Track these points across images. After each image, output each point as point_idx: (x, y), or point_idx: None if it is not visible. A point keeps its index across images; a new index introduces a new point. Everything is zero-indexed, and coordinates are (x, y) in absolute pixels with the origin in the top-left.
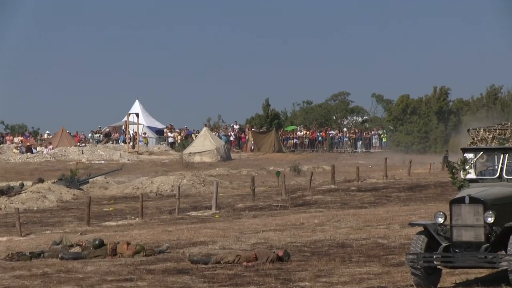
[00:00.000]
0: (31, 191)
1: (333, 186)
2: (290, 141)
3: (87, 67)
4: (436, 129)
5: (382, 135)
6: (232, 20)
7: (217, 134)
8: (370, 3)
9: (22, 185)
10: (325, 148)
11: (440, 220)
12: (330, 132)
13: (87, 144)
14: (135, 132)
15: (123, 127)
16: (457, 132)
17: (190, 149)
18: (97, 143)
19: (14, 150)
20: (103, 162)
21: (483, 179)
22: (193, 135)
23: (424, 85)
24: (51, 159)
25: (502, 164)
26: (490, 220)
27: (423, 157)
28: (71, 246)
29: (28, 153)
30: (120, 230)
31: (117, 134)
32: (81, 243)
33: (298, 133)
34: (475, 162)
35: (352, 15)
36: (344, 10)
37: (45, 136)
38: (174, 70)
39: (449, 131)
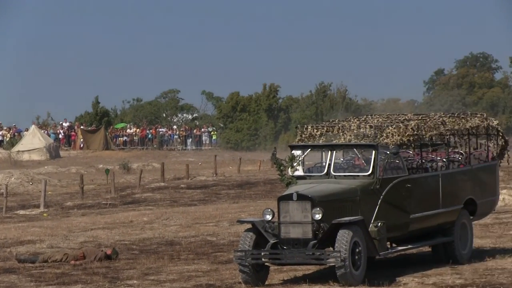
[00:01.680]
0: None
1: (162, 184)
2: (120, 138)
3: None
4: (266, 126)
5: (212, 133)
6: (59, 17)
7: (46, 132)
8: (199, 3)
9: None
10: (155, 146)
11: (268, 217)
12: (160, 129)
13: None
14: None
15: None
16: (286, 129)
17: (18, 147)
18: None
19: None
20: None
21: (311, 176)
22: (22, 133)
23: (254, 82)
24: None
25: (330, 160)
26: (318, 216)
27: (253, 154)
28: None
29: None
30: None
31: None
32: None
33: (128, 130)
34: (303, 159)
35: (179, 12)
36: (169, 8)
37: None
38: (2, 67)
39: (278, 128)
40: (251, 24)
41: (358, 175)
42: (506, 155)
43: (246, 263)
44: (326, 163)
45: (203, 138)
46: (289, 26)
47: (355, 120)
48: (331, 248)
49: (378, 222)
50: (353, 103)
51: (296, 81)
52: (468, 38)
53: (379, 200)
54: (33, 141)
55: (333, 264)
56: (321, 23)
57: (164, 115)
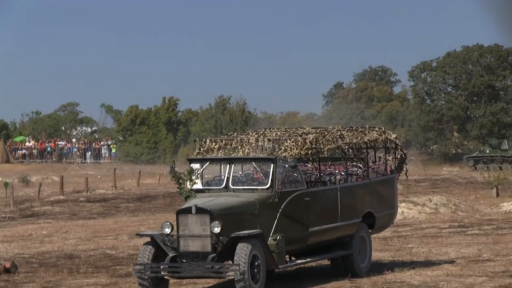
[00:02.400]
0: None
1: (62, 197)
2: (19, 151)
3: None
4: (165, 139)
5: (111, 146)
6: None
7: None
8: (97, 15)
9: None
10: (54, 159)
11: (167, 230)
12: (59, 142)
13: None
14: None
15: None
16: (186, 142)
17: None
18: None
19: None
20: None
21: (209, 189)
22: None
23: (153, 95)
24: None
25: (228, 174)
26: (217, 230)
27: (152, 167)
28: None
29: None
30: None
31: None
32: None
33: (27, 143)
34: (202, 172)
35: (77, 24)
36: (67, 20)
37: None
38: None
39: (178, 142)
40: (149, 36)
41: (256, 189)
42: (404, 169)
43: (145, 276)
44: (224, 176)
45: (103, 151)
46: (187, 39)
47: (254, 133)
48: (230, 262)
49: (277, 235)
50: (252, 117)
51: (195, 94)
52: (366, 51)
53: (278, 214)
54: None
55: (233, 277)
56: (219, 35)
57: (63, 128)
